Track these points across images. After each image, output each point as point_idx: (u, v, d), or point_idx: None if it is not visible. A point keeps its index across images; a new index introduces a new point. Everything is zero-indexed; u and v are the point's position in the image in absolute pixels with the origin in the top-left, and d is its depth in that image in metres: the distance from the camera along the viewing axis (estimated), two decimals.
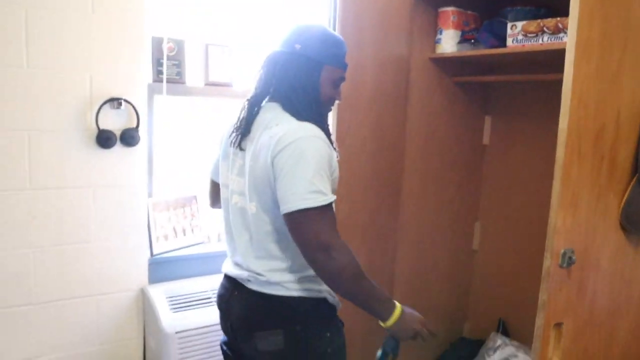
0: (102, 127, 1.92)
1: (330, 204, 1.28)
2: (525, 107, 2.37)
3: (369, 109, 2.04)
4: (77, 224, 1.95)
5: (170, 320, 1.99)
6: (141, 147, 2.02)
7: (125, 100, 1.96)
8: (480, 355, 2.35)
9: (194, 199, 2.30)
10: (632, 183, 1.24)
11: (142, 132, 2.01)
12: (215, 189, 1.65)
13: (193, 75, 2.25)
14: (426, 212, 2.37)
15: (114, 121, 1.96)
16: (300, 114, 1.36)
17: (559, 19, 1.84)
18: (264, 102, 1.44)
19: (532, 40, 1.91)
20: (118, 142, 1.96)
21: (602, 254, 1.34)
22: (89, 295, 2.01)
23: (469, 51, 2.13)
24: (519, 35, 1.96)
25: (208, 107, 2.33)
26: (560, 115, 1.17)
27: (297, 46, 1.39)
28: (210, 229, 2.34)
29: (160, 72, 2.14)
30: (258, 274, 1.40)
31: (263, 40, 2.36)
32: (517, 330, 2.41)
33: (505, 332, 2.42)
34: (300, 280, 1.40)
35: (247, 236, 1.43)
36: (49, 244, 1.92)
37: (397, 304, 1.37)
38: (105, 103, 1.92)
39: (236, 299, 1.47)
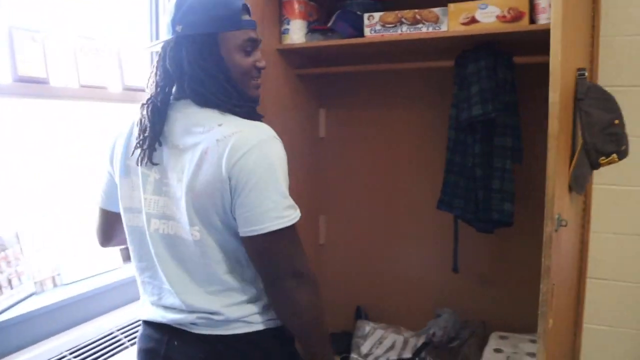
0: None
1: None
2: (357, 98, 2.47)
3: None
4: None
5: None
6: None
7: None
8: (354, 345, 2.36)
9: (16, 237, 1.67)
10: (578, 150, 1.41)
11: None
12: (109, 220, 1.29)
13: None
14: None
15: None
16: (225, 108, 1.12)
17: (416, 10, 1.96)
18: (170, 102, 1.17)
19: (391, 30, 2.00)
20: None
21: (563, 214, 1.48)
22: None
23: (328, 41, 2.10)
24: (376, 26, 2.02)
25: (17, 110, 1.73)
26: (550, 89, 1.25)
27: (179, 27, 1.12)
28: (41, 274, 1.74)
29: None
30: (212, 313, 1.12)
31: (88, 25, 1.87)
32: (376, 314, 2.50)
33: (366, 318, 2.48)
34: (263, 311, 1.17)
35: (184, 269, 1.14)
36: None
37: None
38: None
39: (179, 351, 1.16)
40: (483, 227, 2.04)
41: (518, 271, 2.24)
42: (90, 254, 1.86)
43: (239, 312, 1.13)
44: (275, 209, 1.05)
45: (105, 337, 1.70)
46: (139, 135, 1.15)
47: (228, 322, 1.13)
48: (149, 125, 1.13)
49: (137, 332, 1.77)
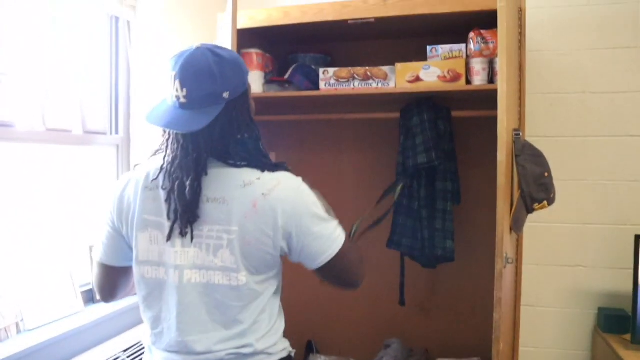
0: None
1: None
2: (307, 143, 2.64)
3: None
4: None
5: None
6: None
7: None
8: None
9: None
10: (517, 198, 1.64)
11: None
12: (113, 276, 1.30)
13: None
14: None
15: None
16: (260, 167, 1.20)
17: (367, 67, 2.18)
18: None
19: (344, 85, 2.20)
20: None
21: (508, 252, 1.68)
22: None
23: (287, 92, 2.25)
24: (331, 80, 2.21)
25: None
26: (498, 148, 1.48)
27: (226, 94, 1.14)
28: (5, 320, 1.71)
29: None
30: (242, 346, 1.20)
31: (50, 68, 1.91)
32: (326, 347, 2.62)
33: (317, 352, 2.59)
34: (280, 341, 1.29)
35: (215, 314, 1.19)
36: None
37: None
38: None
39: None
40: (427, 262, 2.25)
41: (454, 302, 2.46)
42: (52, 298, 1.85)
43: (264, 344, 1.21)
44: (330, 234, 1.21)
45: None
46: (174, 205, 1.15)
47: (255, 354, 1.20)
48: (189, 196, 1.13)
49: None
